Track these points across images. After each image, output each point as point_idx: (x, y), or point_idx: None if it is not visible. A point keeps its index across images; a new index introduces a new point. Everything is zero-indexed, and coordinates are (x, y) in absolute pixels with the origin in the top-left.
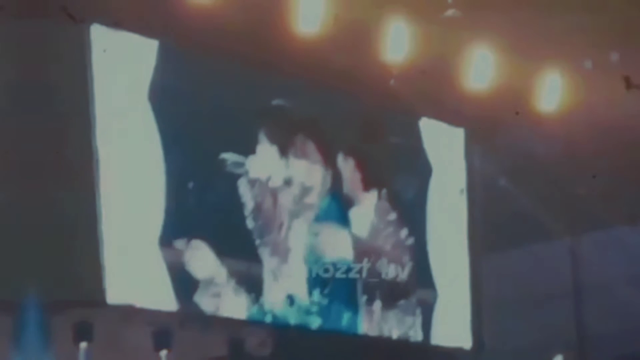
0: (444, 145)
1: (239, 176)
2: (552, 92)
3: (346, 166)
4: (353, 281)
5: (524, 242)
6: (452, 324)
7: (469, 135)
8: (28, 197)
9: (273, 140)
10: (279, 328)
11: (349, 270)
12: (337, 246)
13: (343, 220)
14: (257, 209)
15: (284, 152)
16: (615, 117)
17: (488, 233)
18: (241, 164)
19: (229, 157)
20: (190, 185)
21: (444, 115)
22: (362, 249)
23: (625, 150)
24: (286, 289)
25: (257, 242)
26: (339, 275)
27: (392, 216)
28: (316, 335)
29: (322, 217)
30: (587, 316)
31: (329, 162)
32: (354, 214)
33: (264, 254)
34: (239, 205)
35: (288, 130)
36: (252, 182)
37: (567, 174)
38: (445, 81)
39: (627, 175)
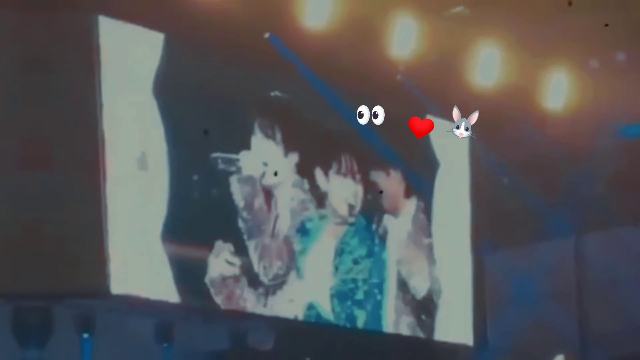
0: (449, 142)
1: (231, 174)
2: (557, 90)
3: (390, 180)
4: (379, 286)
5: (528, 240)
6: (455, 321)
7: (473, 132)
8: (34, 187)
9: (268, 134)
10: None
11: (379, 274)
12: (368, 255)
13: (376, 234)
14: (248, 208)
15: (324, 167)
16: (620, 116)
17: (491, 230)
18: (233, 162)
19: (220, 155)
20: (194, 178)
21: (449, 113)
22: (393, 256)
23: (629, 150)
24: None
25: (247, 242)
26: (368, 279)
27: (426, 227)
28: (318, 330)
29: (355, 233)
30: (589, 315)
31: (365, 178)
32: (390, 222)
33: (253, 255)
34: (231, 203)
35: (331, 147)
36: (244, 180)
37: (571, 172)
38: (452, 78)
39: (631, 175)
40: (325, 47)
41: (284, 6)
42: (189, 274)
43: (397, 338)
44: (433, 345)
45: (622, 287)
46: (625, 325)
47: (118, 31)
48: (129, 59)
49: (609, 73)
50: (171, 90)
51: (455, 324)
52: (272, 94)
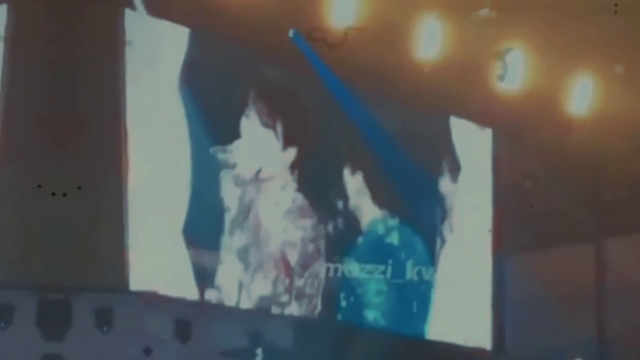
0: (472, 145)
1: (226, 169)
2: (582, 96)
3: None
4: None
5: (548, 243)
6: (474, 324)
7: (496, 136)
8: (55, 182)
9: (267, 127)
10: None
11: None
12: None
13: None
14: (245, 211)
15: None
16: None
17: (512, 234)
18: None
19: (217, 149)
20: (217, 174)
21: (472, 115)
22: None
23: None
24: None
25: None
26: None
27: None
28: (335, 330)
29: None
30: (608, 320)
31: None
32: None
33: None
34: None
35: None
36: (238, 178)
37: (594, 177)
38: (477, 81)
39: None
40: (350, 47)
41: (310, 5)
42: (209, 272)
43: (415, 341)
44: (451, 348)
45: None
46: None
47: (144, 25)
48: (154, 53)
49: (634, 79)
50: (197, 84)
51: (473, 328)
52: (290, 90)
